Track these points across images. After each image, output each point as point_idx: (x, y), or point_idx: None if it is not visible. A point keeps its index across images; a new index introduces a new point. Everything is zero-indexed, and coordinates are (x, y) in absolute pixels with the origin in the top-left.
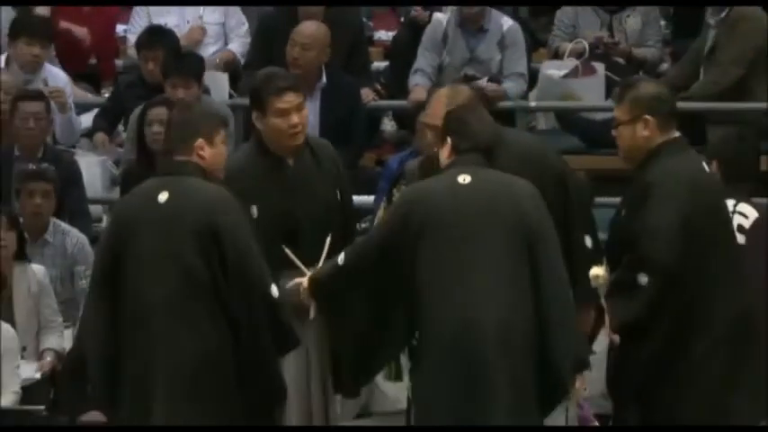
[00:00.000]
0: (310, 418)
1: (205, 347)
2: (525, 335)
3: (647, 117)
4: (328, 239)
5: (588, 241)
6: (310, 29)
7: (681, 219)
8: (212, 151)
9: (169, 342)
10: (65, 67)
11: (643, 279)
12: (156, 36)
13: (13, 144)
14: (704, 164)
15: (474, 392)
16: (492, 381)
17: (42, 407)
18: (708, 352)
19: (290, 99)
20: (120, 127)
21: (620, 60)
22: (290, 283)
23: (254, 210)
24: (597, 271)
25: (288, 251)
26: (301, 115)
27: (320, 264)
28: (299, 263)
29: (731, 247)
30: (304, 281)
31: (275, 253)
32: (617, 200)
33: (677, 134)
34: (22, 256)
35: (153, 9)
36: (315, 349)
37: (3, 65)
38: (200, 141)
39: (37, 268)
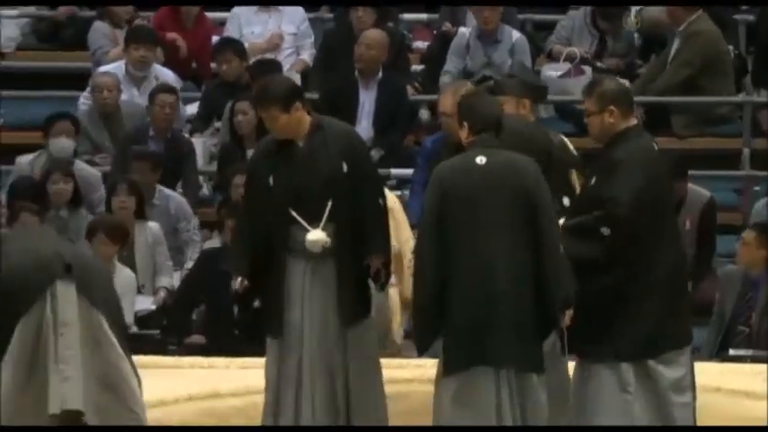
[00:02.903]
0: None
1: None
2: (528, 277)
3: (612, 108)
4: (329, 204)
5: (566, 201)
6: (374, 33)
7: (640, 187)
8: None
9: None
10: (173, 69)
11: (606, 231)
12: (225, 44)
13: (148, 125)
14: (654, 144)
15: (490, 320)
16: (503, 311)
17: (156, 331)
18: (648, 291)
19: (260, 114)
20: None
21: (603, 65)
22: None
23: (271, 180)
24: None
25: (293, 212)
26: (273, 123)
27: (322, 223)
28: (301, 220)
29: (670, 210)
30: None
31: (285, 213)
32: None
33: (635, 121)
34: (141, 215)
35: (243, 21)
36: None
37: (123, 66)
38: None
39: (152, 224)
